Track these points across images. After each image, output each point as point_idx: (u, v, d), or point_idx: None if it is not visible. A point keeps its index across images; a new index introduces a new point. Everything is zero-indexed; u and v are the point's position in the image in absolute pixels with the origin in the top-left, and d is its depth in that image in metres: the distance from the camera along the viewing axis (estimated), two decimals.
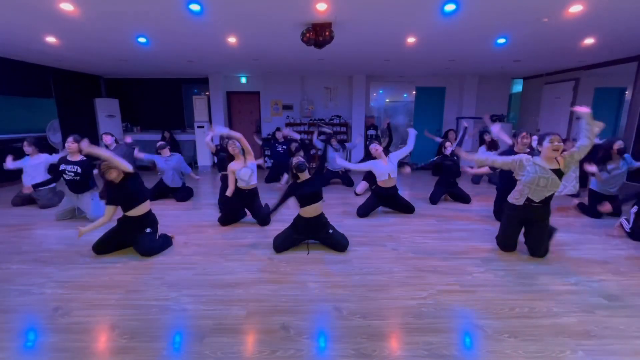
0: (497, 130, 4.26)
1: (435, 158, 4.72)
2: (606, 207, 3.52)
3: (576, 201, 4.38)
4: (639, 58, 5.24)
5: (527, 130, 4.04)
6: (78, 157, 3.87)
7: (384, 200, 4.22)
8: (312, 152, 7.17)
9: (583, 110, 2.53)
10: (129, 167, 2.87)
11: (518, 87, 8.90)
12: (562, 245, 3.18)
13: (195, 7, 3.21)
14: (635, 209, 3.42)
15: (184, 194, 4.89)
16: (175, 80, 8.36)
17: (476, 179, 6.01)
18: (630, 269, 2.70)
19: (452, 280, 2.50)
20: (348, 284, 2.46)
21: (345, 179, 6.01)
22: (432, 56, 5.63)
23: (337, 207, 4.40)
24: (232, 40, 4.47)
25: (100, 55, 5.55)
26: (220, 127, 3.77)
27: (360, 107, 8.12)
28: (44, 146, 4.48)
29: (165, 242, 3.11)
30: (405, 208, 4.21)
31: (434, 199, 4.67)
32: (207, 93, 8.09)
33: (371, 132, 8.24)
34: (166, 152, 4.81)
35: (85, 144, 2.94)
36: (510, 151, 3.67)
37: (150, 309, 2.14)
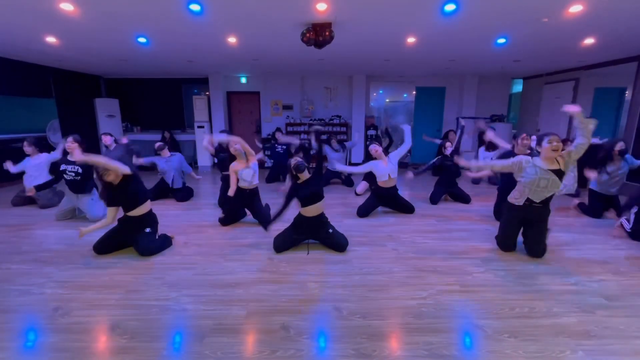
0: (491, 136, 4.29)
1: (434, 160, 4.71)
2: (611, 214, 3.68)
3: (576, 201, 4.38)
4: (639, 58, 5.24)
5: (527, 130, 4.06)
6: None
7: (384, 200, 4.22)
8: (312, 152, 7.17)
9: (573, 109, 2.49)
10: (126, 170, 2.83)
11: (518, 87, 8.91)
12: (562, 245, 3.18)
13: (195, 7, 3.21)
14: (635, 209, 3.42)
15: (184, 194, 4.89)
16: (175, 80, 8.36)
17: (476, 180, 6.01)
18: (630, 269, 2.70)
19: (452, 280, 2.50)
20: (348, 284, 2.46)
21: (346, 179, 6.01)
22: (432, 56, 5.63)
23: (337, 207, 4.40)
24: (232, 40, 4.47)
25: (100, 55, 5.55)
26: (219, 136, 3.76)
27: (360, 107, 8.12)
28: (44, 146, 4.49)
29: (164, 242, 3.11)
30: (405, 208, 4.21)
31: (434, 199, 4.67)
32: (207, 93, 8.09)
33: (371, 132, 8.24)
34: (166, 152, 4.80)
35: (78, 154, 2.90)
36: (510, 153, 3.66)
37: (151, 309, 2.14)
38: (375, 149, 4.09)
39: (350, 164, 7.90)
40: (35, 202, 4.46)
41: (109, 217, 2.92)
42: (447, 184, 4.76)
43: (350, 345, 1.79)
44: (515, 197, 2.89)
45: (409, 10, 3.33)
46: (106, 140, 4.90)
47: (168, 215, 4.06)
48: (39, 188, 4.10)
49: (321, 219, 3.10)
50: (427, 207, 4.54)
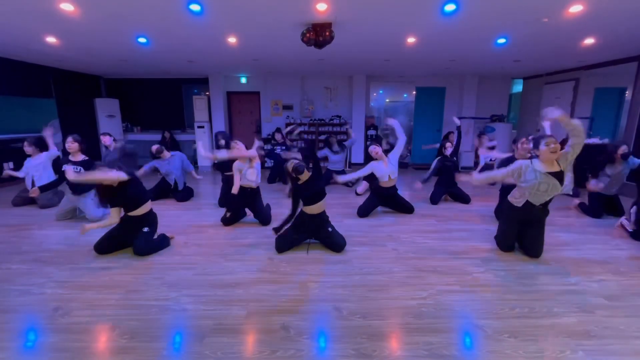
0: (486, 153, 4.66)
1: (435, 162, 4.70)
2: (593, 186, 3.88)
3: (577, 201, 4.38)
4: (639, 58, 5.24)
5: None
6: (80, 158, 3.88)
7: (384, 199, 4.22)
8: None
9: (554, 115, 2.45)
10: (122, 176, 2.82)
11: (518, 87, 8.90)
12: (562, 245, 3.18)
13: (195, 7, 3.21)
14: (634, 209, 3.42)
15: (184, 194, 4.89)
16: (175, 81, 8.36)
17: None
18: (630, 269, 2.70)
19: (452, 280, 2.50)
20: (348, 284, 2.46)
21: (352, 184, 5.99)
22: (432, 56, 5.63)
23: (337, 207, 4.40)
24: (232, 40, 4.47)
25: (100, 56, 5.56)
26: (221, 153, 3.78)
27: (360, 107, 8.12)
28: (44, 146, 4.48)
29: (162, 243, 3.11)
30: (405, 208, 4.21)
31: (434, 199, 4.67)
32: (207, 93, 8.09)
33: (371, 132, 8.25)
34: (166, 154, 4.74)
35: (71, 173, 2.90)
36: (511, 158, 3.64)
37: (150, 309, 2.14)
38: (375, 150, 4.07)
39: (351, 165, 7.91)
40: (35, 202, 4.46)
41: (113, 217, 2.94)
42: (447, 184, 4.76)
43: (350, 345, 1.79)
44: (515, 197, 2.88)
45: (409, 10, 3.33)
46: (105, 140, 4.90)
47: (168, 215, 4.06)
48: (43, 189, 4.09)
49: (323, 217, 3.11)
50: (427, 207, 4.54)
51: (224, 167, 4.45)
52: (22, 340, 1.85)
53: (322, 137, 7.90)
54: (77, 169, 3.78)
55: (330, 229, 3.10)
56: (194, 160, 8.08)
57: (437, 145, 6.15)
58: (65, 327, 1.96)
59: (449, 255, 2.97)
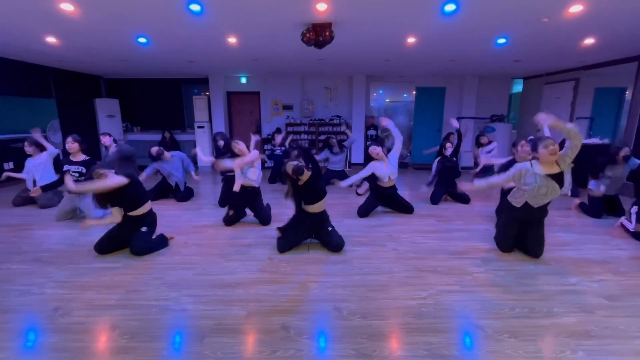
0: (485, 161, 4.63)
1: (435, 163, 4.70)
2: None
3: (577, 201, 4.38)
4: (639, 58, 5.24)
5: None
6: (81, 158, 3.88)
7: (384, 199, 4.22)
8: (313, 151, 7.17)
9: (545, 122, 2.49)
10: (122, 181, 2.83)
11: (518, 87, 8.90)
12: (562, 245, 3.18)
13: (195, 7, 3.21)
14: (635, 209, 3.42)
15: (184, 194, 4.88)
16: (175, 81, 8.36)
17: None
18: (631, 269, 2.70)
19: (452, 280, 2.50)
20: (348, 284, 2.46)
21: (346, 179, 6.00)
22: (432, 56, 5.63)
23: (337, 207, 4.40)
24: (232, 40, 4.47)
25: (100, 56, 5.56)
26: (226, 162, 3.74)
27: (361, 107, 8.12)
28: (44, 146, 4.49)
29: (159, 243, 3.10)
30: (405, 208, 4.21)
31: (434, 199, 4.67)
32: (207, 93, 8.09)
33: (371, 132, 8.25)
34: (167, 156, 4.71)
35: (70, 184, 2.91)
36: (512, 162, 3.63)
37: (150, 309, 2.14)
38: (376, 150, 4.05)
39: (351, 165, 7.91)
40: (35, 202, 4.46)
41: (115, 216, 2.95)
42: (447, 184, 4.76)
43: (350, 345, 1.79)
44: (515, 197, 2.88)
45: (409, 10, 3.33)
46: (105, 140, 4.90)
47: (168, 215, 4.06)
48: (45, 188, 4.09)
49: (324, 215, 3.13)
50: (427, 207, 4.54)
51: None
52: (22, 340, 1.85)
53: (322, 137, 7.91)
54: (78, 169, 3.78)
55: (330, 228, 3.10)
56: (194, 161, 8.06)
57: (438, 147, 6.15)
58: (65, 327, 1.96)
59: (449, 255, 2.97)
